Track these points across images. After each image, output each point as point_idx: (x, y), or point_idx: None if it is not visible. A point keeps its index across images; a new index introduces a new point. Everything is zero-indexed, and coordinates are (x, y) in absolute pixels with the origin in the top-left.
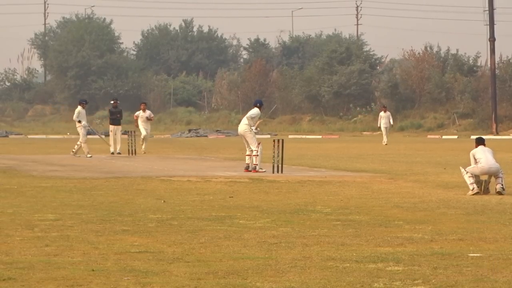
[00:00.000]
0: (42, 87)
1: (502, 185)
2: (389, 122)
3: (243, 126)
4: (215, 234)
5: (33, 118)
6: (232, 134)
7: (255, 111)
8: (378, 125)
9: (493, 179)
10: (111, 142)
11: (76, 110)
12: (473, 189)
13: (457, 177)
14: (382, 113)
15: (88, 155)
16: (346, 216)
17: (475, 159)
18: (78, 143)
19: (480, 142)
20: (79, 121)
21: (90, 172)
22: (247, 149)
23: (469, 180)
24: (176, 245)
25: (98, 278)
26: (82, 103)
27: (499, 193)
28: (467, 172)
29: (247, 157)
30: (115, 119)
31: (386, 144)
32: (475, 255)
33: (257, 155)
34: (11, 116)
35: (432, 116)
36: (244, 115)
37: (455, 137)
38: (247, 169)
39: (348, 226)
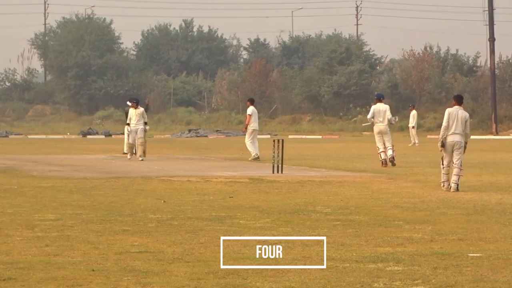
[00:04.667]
0: (42, 87)
1: (457, 184)
2: (413, 121)
3: (385, 126)
4: (215, 234)
5: (33, 118)
6: (232, 134)
7: (387, 106)
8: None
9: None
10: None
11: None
12: (443, 186)
13: None
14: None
15: (128, 157)
16: (346, 216)
17: (447, 123)
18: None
19: (457, 100)
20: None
21: (90, 172)
22: (380, 146)
23: (442, 177)
24: (176, 245)
25: (98, 278)
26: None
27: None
28: (443, 167)
29: (382, 154)
30: None
31: (414, 145)
32: (475, 255)
33: (394, 149)
34: (11, 116)
35: (432, 116)
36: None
37: None
38: (385, 163)
39: (348, 226)
